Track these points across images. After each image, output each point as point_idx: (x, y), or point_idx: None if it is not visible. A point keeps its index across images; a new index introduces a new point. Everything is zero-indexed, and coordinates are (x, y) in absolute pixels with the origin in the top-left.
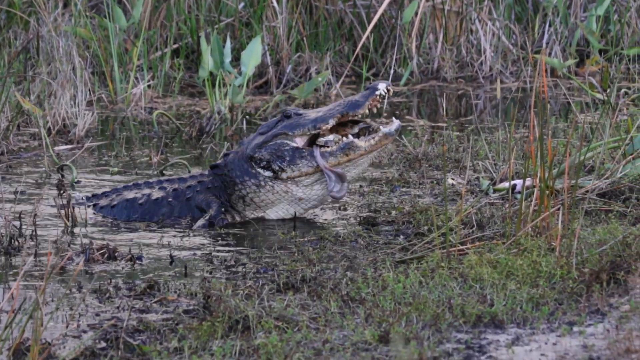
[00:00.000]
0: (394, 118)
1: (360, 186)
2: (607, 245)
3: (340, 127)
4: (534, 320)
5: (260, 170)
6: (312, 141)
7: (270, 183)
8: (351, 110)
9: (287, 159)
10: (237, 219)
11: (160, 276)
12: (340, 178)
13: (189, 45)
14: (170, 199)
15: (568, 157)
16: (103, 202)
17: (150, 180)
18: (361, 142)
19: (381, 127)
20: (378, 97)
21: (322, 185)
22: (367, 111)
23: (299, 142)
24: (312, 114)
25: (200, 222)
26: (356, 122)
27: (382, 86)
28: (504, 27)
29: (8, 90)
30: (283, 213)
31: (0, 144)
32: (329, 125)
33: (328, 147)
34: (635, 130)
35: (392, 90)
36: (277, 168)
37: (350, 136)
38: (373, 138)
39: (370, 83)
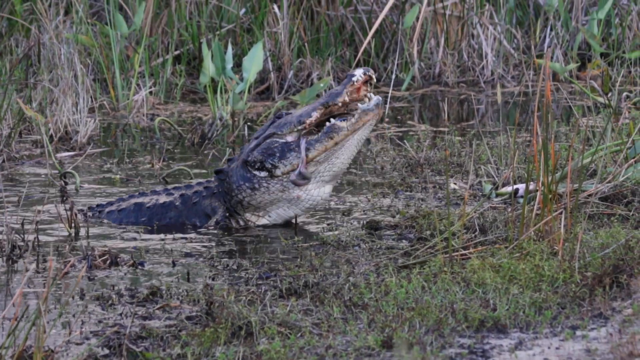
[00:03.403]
0: (372, 94)
1: (365, 189)
2: (609, 248)
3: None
4: (537, 325)
5: (256, 172)
6: None
7: (265, 184)
8: (331, 99)
9: (278, 154)
10: (242, 223)
11: (163, 282)
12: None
13: (191, 51)
14: (177, 204)
15: (570, 161)
16: (109, 207)
17: (157, 189)
18: (342, 123)
19: (359, 104)
20: (356, 83)
21: (318, 183)
22: (346, 99)
23: (289, 139)
24: (300, 110)
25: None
26: (347, 113)
27: (358, 72)
28: (505, 32)
29: (10, 98)
30: (284, 213)
31: (3, 151)
32: (313, 119)
33: (314, 135)
34: (637, 134)
35: (373, 77)
36: (270, 166)
37: (332, 119)
38: (353, 116)
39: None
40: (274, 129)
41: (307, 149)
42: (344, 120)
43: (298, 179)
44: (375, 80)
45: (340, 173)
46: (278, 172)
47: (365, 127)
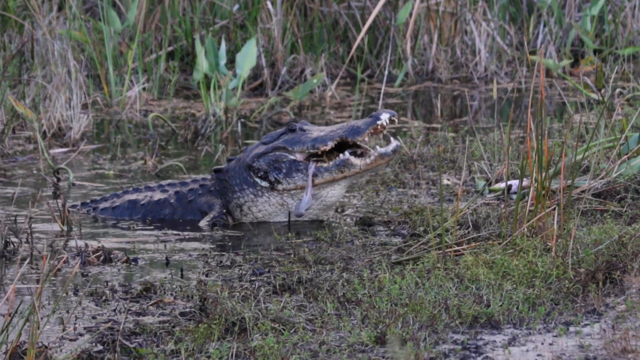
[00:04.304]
0: (392, 138)
1: (359, 186)
2: (602, 245)
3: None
4: (530, 321)
5: (257, 180)
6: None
7: (267, 194)
8: (351, 135)
9: (284, 170)
10: (237, 220)
11: (156, 278)
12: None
13: (184, 47)
14: (172, 201)
15: (563, 158)
16: (104, 204)
17: (151, 185)
18: (357, 160)
19: (378, 147)
20: (379, 127)
21: (318, 200)
22: (366, 138)
23: (299, 157)
24: (315, 132)
25: (204, 222)
26: (357, 146)
27: (384, 116)
28: (498, 28)
29: (3, 94)
30: (281, 219)
31: None
32: (327, 147)
33: (325, 162)
34: (630, 130)
35: (396, 120)
36: (273, 179)
37: (347, 153)
38: (369, 157)
39: (376, 111)
40: (284, 143)
41: (315, 175)
42: (358, 157)
43: (297, 213)
44: (397, 122)
45: (338, 199)
46: (280, 187)
47: (376, 168)
